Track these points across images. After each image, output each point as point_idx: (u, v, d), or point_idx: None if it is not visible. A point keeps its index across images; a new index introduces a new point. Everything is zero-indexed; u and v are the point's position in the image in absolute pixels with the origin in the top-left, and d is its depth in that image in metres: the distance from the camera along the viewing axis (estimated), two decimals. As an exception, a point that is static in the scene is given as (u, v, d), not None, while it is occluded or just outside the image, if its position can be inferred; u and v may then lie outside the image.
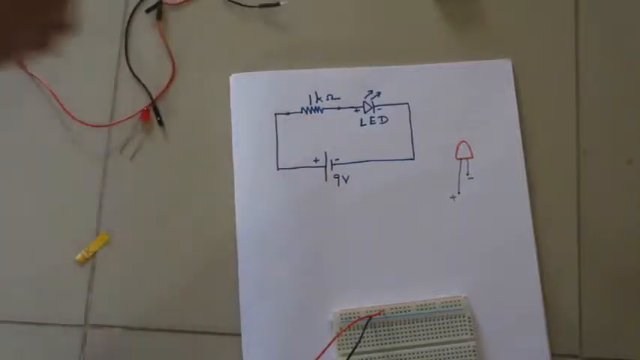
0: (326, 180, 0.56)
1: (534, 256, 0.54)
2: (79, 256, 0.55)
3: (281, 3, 0.59)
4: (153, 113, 0.58)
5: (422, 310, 0.52)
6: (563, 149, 0.57)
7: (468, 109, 0.57)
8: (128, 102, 0.58)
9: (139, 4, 0.60)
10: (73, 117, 0.57)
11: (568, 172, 0.56)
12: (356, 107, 0.57)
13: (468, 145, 0.56)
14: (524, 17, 0.60)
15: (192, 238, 0.55)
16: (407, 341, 0.51)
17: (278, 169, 0.56)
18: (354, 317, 0.51)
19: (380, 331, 0.51)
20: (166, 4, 0.60)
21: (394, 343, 0.51)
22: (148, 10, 0.60)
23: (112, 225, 0.56)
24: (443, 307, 0.52)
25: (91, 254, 0.55)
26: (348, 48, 0.59)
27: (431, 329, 0.51)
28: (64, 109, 0.57)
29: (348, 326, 0.51)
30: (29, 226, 0.56)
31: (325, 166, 0.56)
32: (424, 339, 0.51)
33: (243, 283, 0.53)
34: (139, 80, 0.59)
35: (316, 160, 0.56)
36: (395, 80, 0.58)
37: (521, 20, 0.60)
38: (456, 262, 0.54)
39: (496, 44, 0.59)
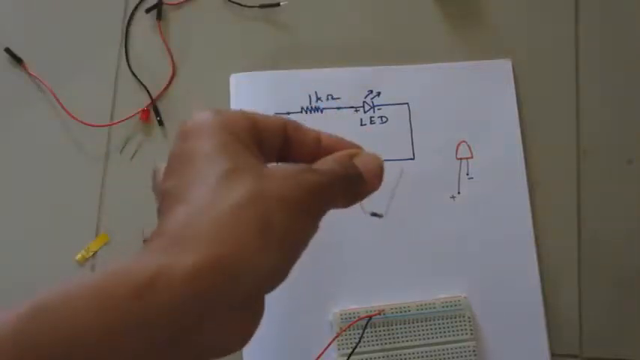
0: (326, 180, 0.55)
1: (534, 256, 0.54)
2: (79, 256, 0.55)
3: (281, 3, 0.59)
4: (153, 113, 0.58)
5: (422, 310, 0.52)
6: (563, 149, 0.57)
7: (468, 109, 0.57)
8: (128, 102, 0.58)
9: (139, 4, 0.60)
10: (73, 117, 0.57)
11: (568, 172, 0.56)
12: (356, 107, 0.57)
13: (468, 145, 0.56)
14: (524, 17, 0.60)
15: (192, 238, 0.55)
16: (407, 341, 0.51)
17: (278, 169, 0.56)
18: (354, 317, 0.51)
19: (380, 331, 0.51)
20: (166, 4, 0.60)
21: (394, 343, 0.51)
22: (147, 10, 0.60)
23: (112, 225, 0.56)
24: (443, 307, 0.52)
25: (91, 254, 0.55)
26: (348, 48, 0.59)
27: (431, 329, 0.51)
28: (64, 109, 0.57)
29: (348, 326, 0.51)
30: (29, 226, 0.56)
31: (325, 166, 0.56)
32: (424, 339, 0.51)
33: (243, 283, 0.53)
34: (139, 80, 0.59)
35: (316, 160, 0.56)
36: (395, 80, 0.58)
37: (521, 20, 0.60)
38: (455, 262, 0.54)
39: (496, 44, 0.59)
